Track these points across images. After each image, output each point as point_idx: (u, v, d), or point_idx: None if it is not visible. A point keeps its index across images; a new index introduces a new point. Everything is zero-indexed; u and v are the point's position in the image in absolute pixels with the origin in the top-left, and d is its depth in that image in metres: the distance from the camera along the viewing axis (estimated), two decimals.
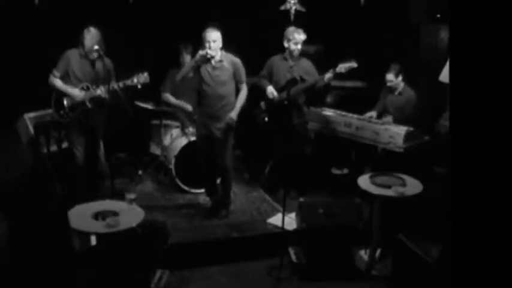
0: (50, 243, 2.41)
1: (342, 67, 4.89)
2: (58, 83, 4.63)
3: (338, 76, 5.10)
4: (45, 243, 2.38)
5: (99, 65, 4.64)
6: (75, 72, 4.62)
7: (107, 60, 4.62)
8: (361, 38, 6.34)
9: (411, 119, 5.16)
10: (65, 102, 4.65)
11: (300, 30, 5.05)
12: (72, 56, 4.62)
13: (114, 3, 5.61)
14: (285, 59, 5.15)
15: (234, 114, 4.67)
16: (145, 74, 4.62)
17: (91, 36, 4.54)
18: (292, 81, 5.01)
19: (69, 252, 2.63)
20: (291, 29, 5.08)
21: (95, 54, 4.57)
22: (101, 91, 4.59)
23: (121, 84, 4.58)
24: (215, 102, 4.64)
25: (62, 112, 4.69)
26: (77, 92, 4.62)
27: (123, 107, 4.62)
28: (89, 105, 4.64)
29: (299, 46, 5.04)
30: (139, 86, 4.62)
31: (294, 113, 5.14)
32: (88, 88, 4.64)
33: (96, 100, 4.64)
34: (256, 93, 5.31)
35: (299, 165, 5.27)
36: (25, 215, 2.32)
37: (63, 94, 4.65)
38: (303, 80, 5.05)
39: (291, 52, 5.08)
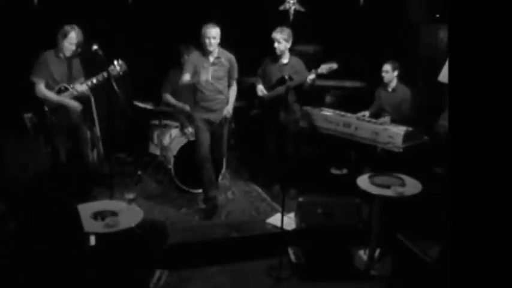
0: (62, 243, 2.42)
1: (324, 68, 4.91)
2: (49, 94, 4.51)
3: (336, 76, 5.10)
4: (56, 243, 2.39)
5: (72, 63, 4.60)
6: (53, 74, 4.53)
7: (76, 59, 4.62)
8: (361, 38, 6.34)
9: (408, 118, 5.17)
10: (45, 106, 4.56)
11: (280, 28, 5.05)
12: (49, 57, 4.53)
13: (114, 3, 5.61)
14: (275, 59, 5.19)
15: (230, 108, 4.86)
16: (120, 62, 4.53)
17: (77, 33, 4.47)
18: (281, 80, 5.07)
19: (80, 251, 2.64)
20: None
21: (71, 53, 4.53)
22: (82, 88, 4.54)
23: (100, 77, 4.50)
24: (213, 97, 4.77)
25: (44, 118, 4.60)
26: (76, 104, 4.57)
27: (122, 107, 4.61)
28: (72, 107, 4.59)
29: (276, 44, 5.04)
30: (115, 74, 4.49)
31: (281, 111, 5.15)
32: (66, 88, 4.56)
33: (79, 98, 4.61)
34: (253, 92, 5.33)
35: (297, 164, 5.27)
36: (36, 214, 2.33)
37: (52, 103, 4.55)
38: (291, 79, 5.07)
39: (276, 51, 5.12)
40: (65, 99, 4.55)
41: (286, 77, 5.05)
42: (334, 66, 4.91)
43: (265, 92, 5.22)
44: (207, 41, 4.56)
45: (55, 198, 2.46)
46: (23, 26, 5.40)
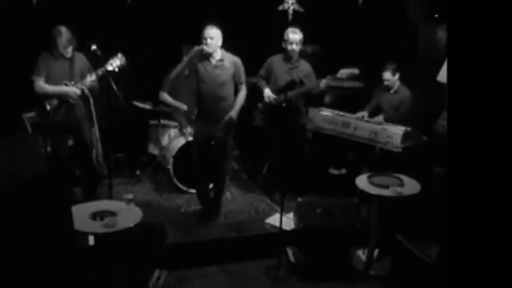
0: (54, 242, 2.42)
1: (344, 73, 4.81)
2: (48, 87, 4.52)
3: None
4: (49, 242, 2.38)
5: (74, 62, 4.60)
6: (53, 74, 4.53)
7: (80, 55, 4.62)
8: (359, 38, 6.34)
9: (406, 118, 5.16)
10: (47, 106, 4.56)
11: (296, 30, 5.00)
12: (47, 58, 4.54)
13: (113, 3, 5.60)
14: (285, 60, 5.09)
15: (234, 114, 4.54)
16: (119, 55, 4.56)
17: (63, 35, 4.47)
18: (291, 84, 4.97)
19: (72, 251, 2.64)
20: (288, 29, 5.04)
21: (70, 52, 4.53)
22: (89, 82, 4.54)
23: (99, 72, 4.52)
24: (215, 104, 4.52)
25: (47, 117, 4.61)
26: (74, 89, 4.53)
27: (121, 107, 4.61)
28: (72, 101, 4.59)
29: (294, 46, 4.97)
30: (116, 69, 4.54)
31: (292, 115, 5.05)
32: (67, 85, 4.55)
33: (91, 92, 4.63)
34: (255, 93, 5.30)
35: (297, 166, 5.25)
36: (30, 214, 2.33)
37: (46, 97, 4.55)
38: (302, 82, 5.02)
39: (289, 53, 5.03)
40: (63, 87, 4.54)
41: (297, 81, 4.98)
42: (356, 71, 4.81)
43: (273, 97, 5.02)
44: (203, 41, 4.40)
45: (48, 200, 2.45)
46: (22, 26, 5.40)
